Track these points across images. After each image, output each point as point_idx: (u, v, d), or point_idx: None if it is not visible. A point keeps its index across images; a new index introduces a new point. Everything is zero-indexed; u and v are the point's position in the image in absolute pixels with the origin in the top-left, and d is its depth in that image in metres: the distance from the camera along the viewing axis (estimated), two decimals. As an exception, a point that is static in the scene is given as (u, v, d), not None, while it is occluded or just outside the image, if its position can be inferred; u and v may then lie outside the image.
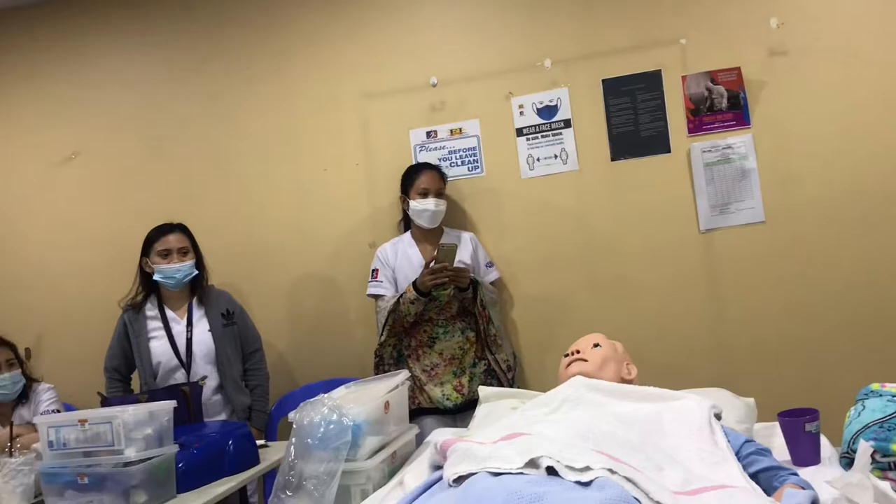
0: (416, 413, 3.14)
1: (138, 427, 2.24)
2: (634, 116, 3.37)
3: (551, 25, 3.48)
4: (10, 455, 2.43)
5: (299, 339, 3.81)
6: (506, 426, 1.70)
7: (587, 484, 1.29)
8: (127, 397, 2.99)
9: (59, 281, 4.13)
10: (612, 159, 3.40)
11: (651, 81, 3.34)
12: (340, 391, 2.28)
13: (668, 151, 3.33)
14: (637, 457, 1.45)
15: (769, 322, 3.23)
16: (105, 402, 2.79)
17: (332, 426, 1.87)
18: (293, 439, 1.91)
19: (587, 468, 1.33)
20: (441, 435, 2.06)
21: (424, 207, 3.27)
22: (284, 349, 3.81)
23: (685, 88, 3.31)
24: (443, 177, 3.40)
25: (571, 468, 1.33)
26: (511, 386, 3.19)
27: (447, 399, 3.19)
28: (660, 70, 3.33)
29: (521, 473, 1.35)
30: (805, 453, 1.86)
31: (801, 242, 3.20)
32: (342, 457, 1.86)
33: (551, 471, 1.35)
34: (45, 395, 3.35)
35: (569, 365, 2.06)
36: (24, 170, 4.22)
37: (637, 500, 1.26)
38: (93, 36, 4.11)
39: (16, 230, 4.23)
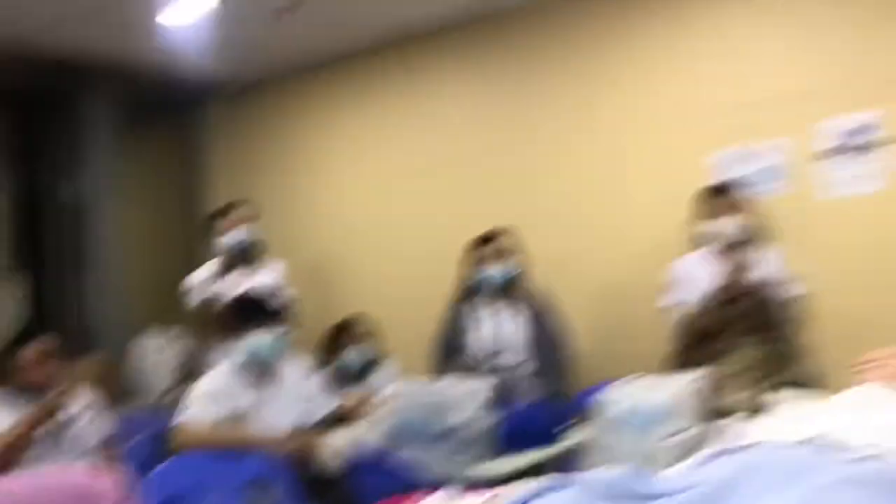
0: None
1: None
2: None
3: (865, 43, 3.46)
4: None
5: (596, 339, 4.12)
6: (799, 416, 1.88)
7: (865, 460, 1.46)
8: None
9: (396, 283, 4.90)
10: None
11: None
12: (643, 383, 2.57)
13: None
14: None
15: None
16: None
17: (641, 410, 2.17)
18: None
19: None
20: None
21: (718, 229, 3.42)
22: (581, 347, 4.15)
23: None
24: (739, 196, 3.50)
25: (847, 447, 1.51)
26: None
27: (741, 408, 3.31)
28: None
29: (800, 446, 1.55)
30: None
31: None
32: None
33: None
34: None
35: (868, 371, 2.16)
36: (372, 184, 5.08)
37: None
38: (425, 74, 4.92)
39: (362, 237, 5.10)
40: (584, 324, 4.16)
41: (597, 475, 1.59)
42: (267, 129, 5.64)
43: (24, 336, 2.89)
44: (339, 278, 5.23)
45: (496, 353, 3.60)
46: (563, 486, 1.55)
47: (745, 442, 1.71)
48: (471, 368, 3.58)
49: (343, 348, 3.92)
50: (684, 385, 2.51)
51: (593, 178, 4.21)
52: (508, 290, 3.70)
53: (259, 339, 2.97)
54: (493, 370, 3.40)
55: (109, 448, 2.95)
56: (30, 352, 2.82)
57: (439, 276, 4.36)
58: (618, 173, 4.13)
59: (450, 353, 3.76)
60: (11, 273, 5.22)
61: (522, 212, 4.39)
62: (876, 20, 3.45)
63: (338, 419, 3.58)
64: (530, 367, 3.59)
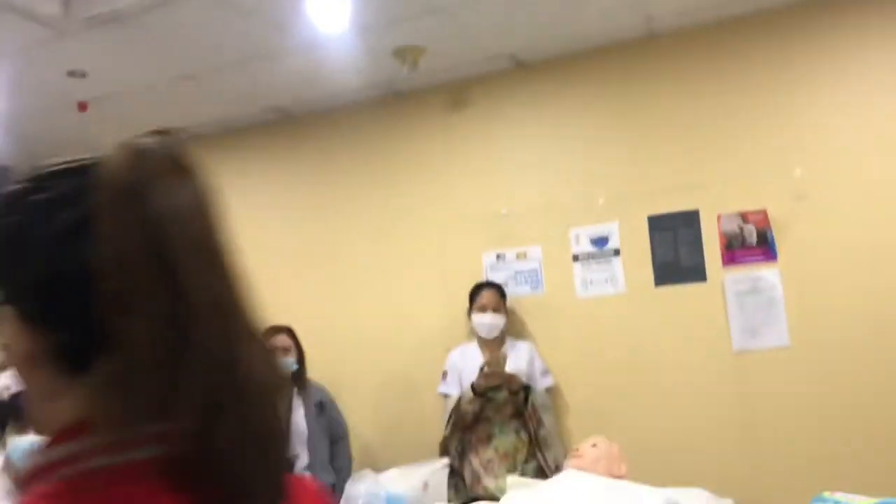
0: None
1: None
2: (675, 249, 3.84)
3: (606, 165, 4.03)
4: None
5: (382, 427, 4.38)
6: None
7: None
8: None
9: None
10: (656, 285, 3.87)
11: (690, 219, 3.83)
12: (393, 472, 2.83)
13: (705, 280, 3.77)
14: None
15: (794, 435, 3.54)
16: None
17: (370, 498, 2.42)
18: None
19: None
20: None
21: (481, 321, 3.83)
22: (370, 436, 4.38)
23: (720, 226, 3.76)
24: (502, 294, 3.94)
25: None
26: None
27: (500, 492, 3.64)
28: (697, 210, 3.81)
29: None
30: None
31: (823, 365, 3.53)
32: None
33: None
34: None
35: (569, 459, 2.54)
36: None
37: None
38: (242, 167, 5.04)
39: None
40: (369, 413, 4.41)
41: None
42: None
43: None
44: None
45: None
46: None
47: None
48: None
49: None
50: (432, 472, 2.78)
51: (380, 272, 4.51)
52: (293, 383, 3.88)
53: (18, 443, 2.96)
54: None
55: None
56: None
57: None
58: (404, 270, 4.46)
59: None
60: None
61: (311, 308, 4.61)
62: (609, 145, 4.03)
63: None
64: (304, 460, 3.75)
